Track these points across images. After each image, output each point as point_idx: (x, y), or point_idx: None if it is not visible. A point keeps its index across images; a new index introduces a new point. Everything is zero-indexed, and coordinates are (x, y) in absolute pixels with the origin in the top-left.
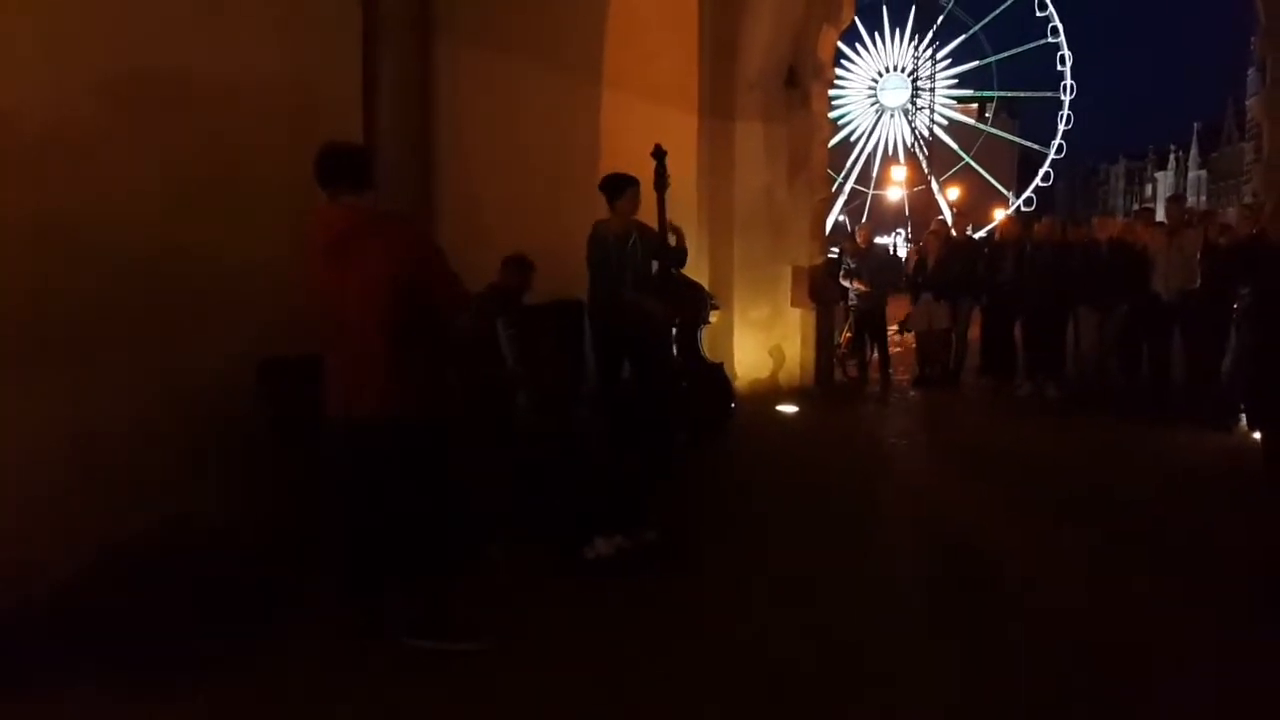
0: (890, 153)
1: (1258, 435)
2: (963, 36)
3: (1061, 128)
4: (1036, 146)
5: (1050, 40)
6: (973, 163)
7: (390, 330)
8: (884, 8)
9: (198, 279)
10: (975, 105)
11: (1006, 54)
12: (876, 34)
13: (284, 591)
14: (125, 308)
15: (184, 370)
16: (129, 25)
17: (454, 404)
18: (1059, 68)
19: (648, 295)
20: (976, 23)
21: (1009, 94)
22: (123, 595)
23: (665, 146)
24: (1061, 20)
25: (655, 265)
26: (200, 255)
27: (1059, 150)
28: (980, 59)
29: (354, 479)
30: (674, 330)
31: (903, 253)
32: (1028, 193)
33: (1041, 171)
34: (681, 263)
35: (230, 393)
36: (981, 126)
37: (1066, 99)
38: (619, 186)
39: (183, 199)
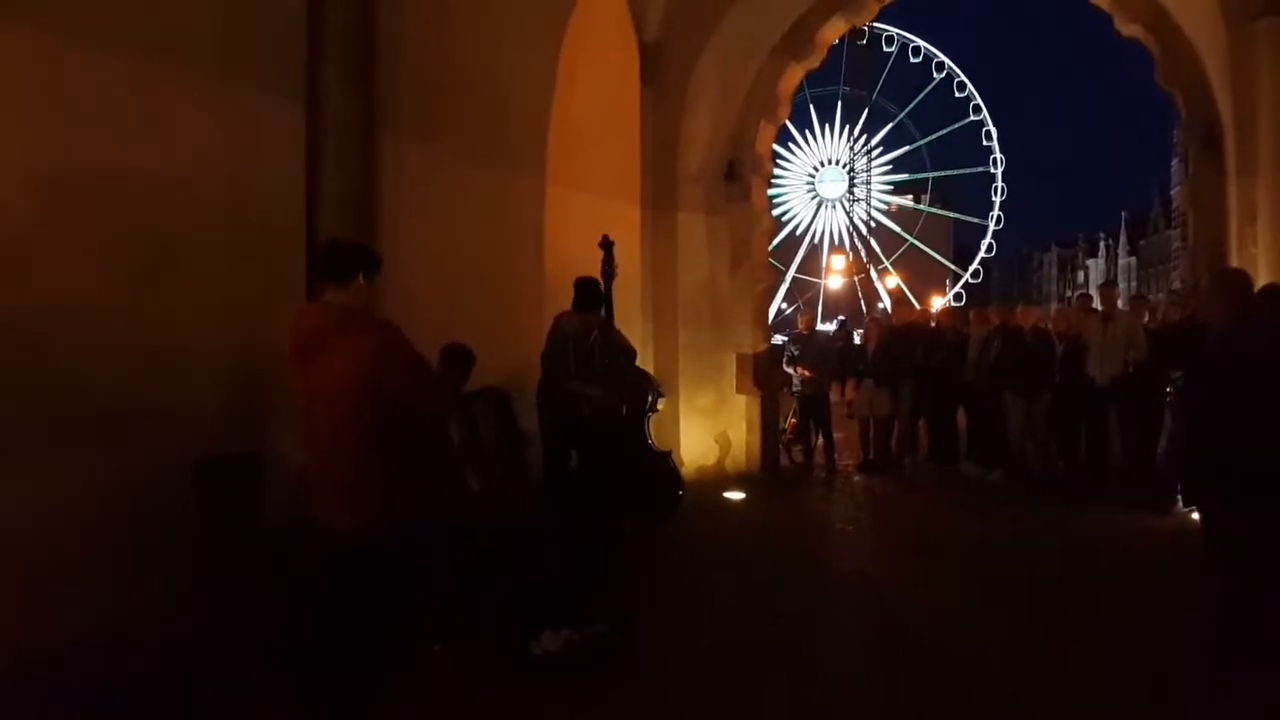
0: (837, 242)
1: (1195, 516)
2: (890, 124)
3: (998, 200)
4: (975, 220)
5: (974, 118)
6: (916, 243)
7: (358, 436)
8: (810, 106)
9: (130, 377)
10: (910, 196)
11: (935, 135)
12: (807, 131)
13: (218, 698)
14: (60, 404)
15: (120, 468)
16: (64, 123)
17: (421, 512)
18: (985, 143)
19: (594, 384)
20: (901, 110)
21: (942, 174)
22: (57, 698)
23: (609, 238)
24: (988, 111)
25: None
26: (134, 353)
27: (997, 222)
28: (910, 144)
29: (320, 588)
30: (622, 419)
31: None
32: (974, 266)
33: (984, 244)
34: (631, 359)
35: (167, 492)
36: (920, 207)
37: (998, 171)
38: (588, 298)
39: (117, 296)
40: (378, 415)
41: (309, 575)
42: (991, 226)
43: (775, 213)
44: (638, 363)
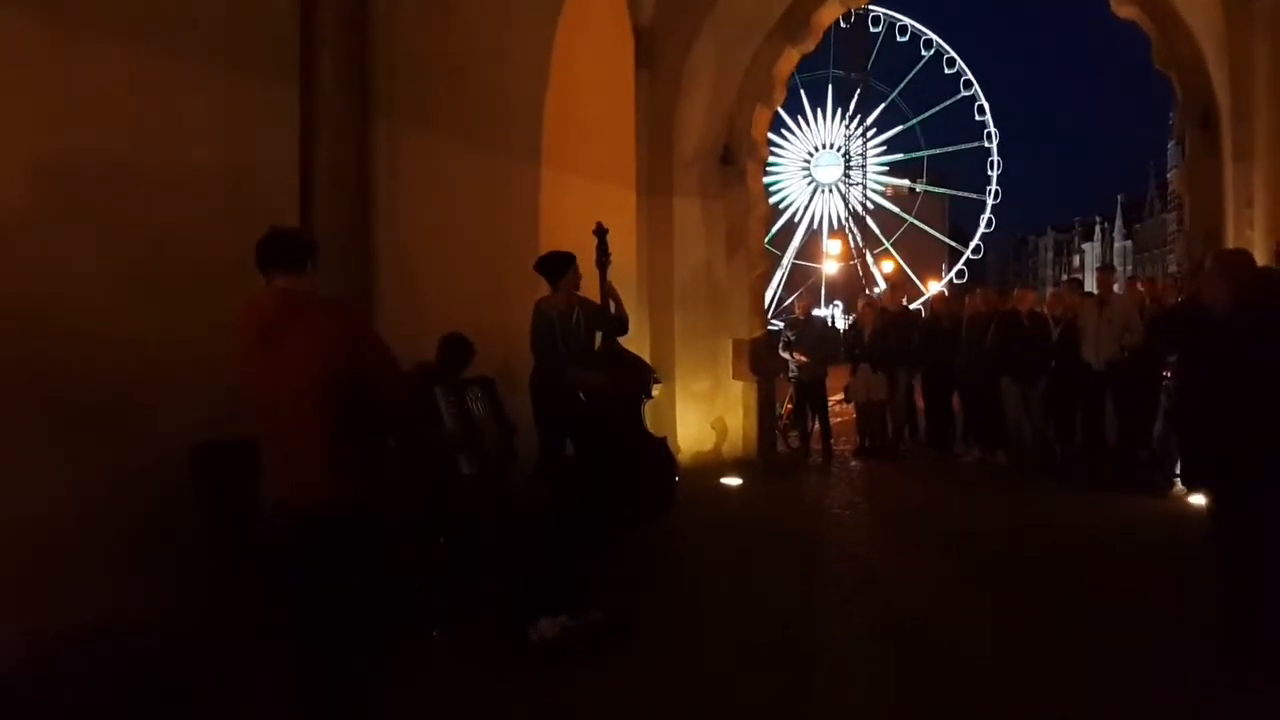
0: (837, 227)
1: (1192, 499)
2: (882, 105)
3: (994, 175)
4: (973, 195)
5: (966, 94)
6: (915, 221)
7: (326, 419)
8: (801, 91)
9: (131, 363)
10: (906, 179)
11: (928, 114)
12: (800, 116)
13: (221, 682)
14: (58, 390)
15: (118, 454)
16: (64, 110)
17: (394, 493)
18: (979, 118)
19: (589, 369)
20: (892, 90)
21: (938, 150)
22: (55, 687)
23: (605, 223)
24: (986, 99)
25: (600, 337)
26: (134, 339)
27: (995, 196)
28: (904, 123)
29: (291, 574)
30: (618, 406)
31: (841, 324)
32: (975, 241)
33: (983, 219)
34: (623, 330)
35: (166, 477)
36: (917, 187)
37: (993, 145)
38: (557, 268)
39: (117, 283)
40: (348, 396)
41: (290, 561)
42: (990, 201)
43: (771, 200)
44: (629, 343)
